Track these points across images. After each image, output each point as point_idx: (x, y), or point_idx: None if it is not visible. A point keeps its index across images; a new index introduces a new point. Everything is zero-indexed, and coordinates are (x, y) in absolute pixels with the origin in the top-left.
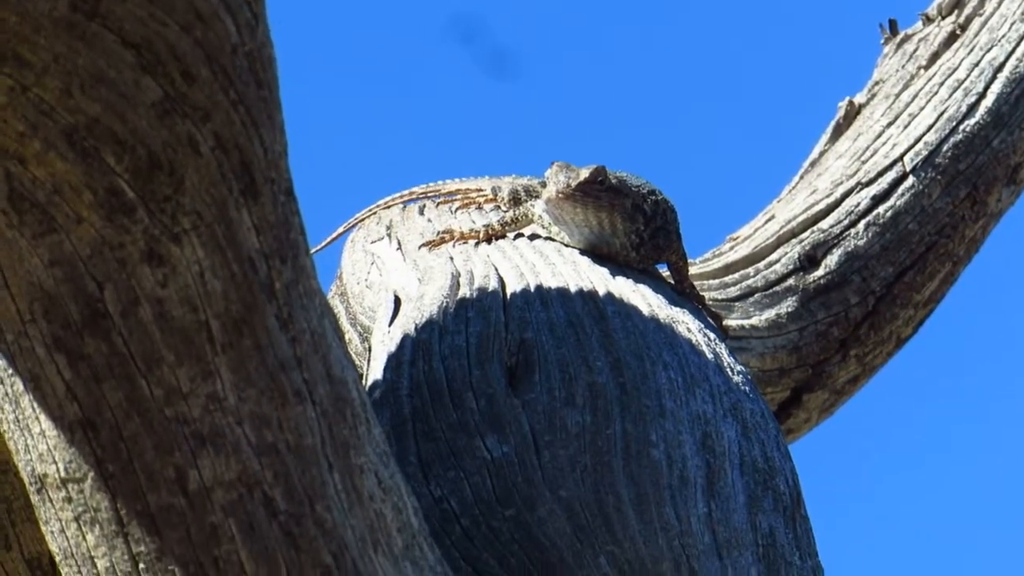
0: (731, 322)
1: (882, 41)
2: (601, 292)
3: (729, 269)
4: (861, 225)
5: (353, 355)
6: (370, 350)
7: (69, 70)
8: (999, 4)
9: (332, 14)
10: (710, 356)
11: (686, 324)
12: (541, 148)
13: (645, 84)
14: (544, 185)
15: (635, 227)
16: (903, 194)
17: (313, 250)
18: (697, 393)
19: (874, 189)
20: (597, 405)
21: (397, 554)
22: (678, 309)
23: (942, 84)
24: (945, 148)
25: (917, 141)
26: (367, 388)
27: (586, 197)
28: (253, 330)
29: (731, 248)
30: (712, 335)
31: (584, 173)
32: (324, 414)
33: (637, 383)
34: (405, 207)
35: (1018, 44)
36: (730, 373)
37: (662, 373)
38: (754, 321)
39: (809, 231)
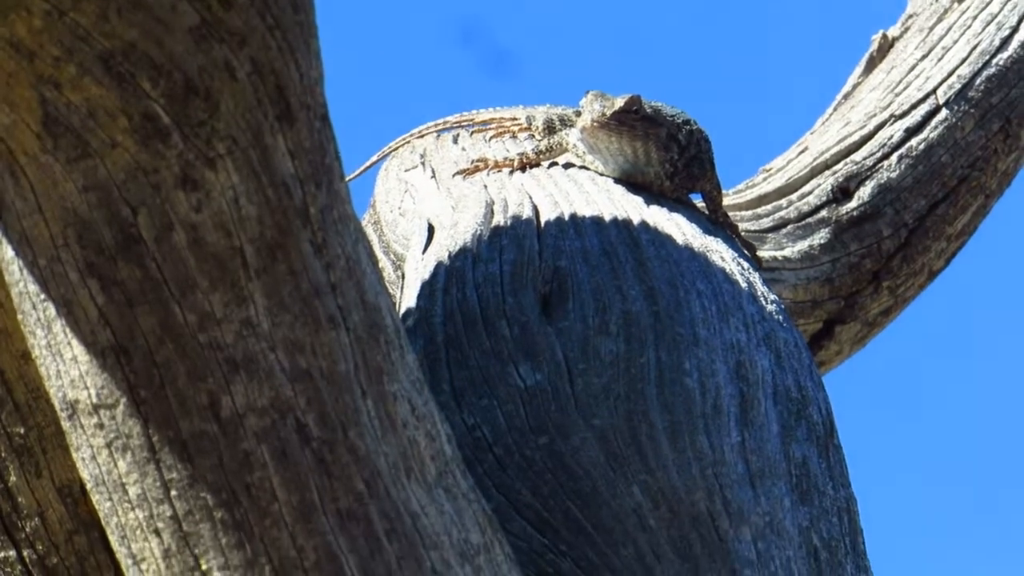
0: (763, 254)
1: None
2: (635, 220)
3: (762, 200)
4: (894, 157)
5: (387, 283)
6: (403, 278)
7: None
8: None
9: (331, 15)
10: (744, 285)
11: (720, 253)
12: None
13: (667, 19)
14: (579, 114)
15: (669, 156)
16: (936, 127)
17: (347, 178)
18: (731, 322)
19: (907, 122)
20: (631, 333)
21: (430, 481)
22: (712, 238)
23: (975, 18)
24: (978, 81)
25: (950, 74)
26: (400, 316)
27: (621, 126)
28: (287, 255)
29: (764, 179)
30: (746, 264)
31: (619, 102)
32: (358, 340)
33: (671, 311)
34: (439, 136)
35: None
36: (764, 302)
37: (696, 301)
38: (787, 253)
39: (842, 163)
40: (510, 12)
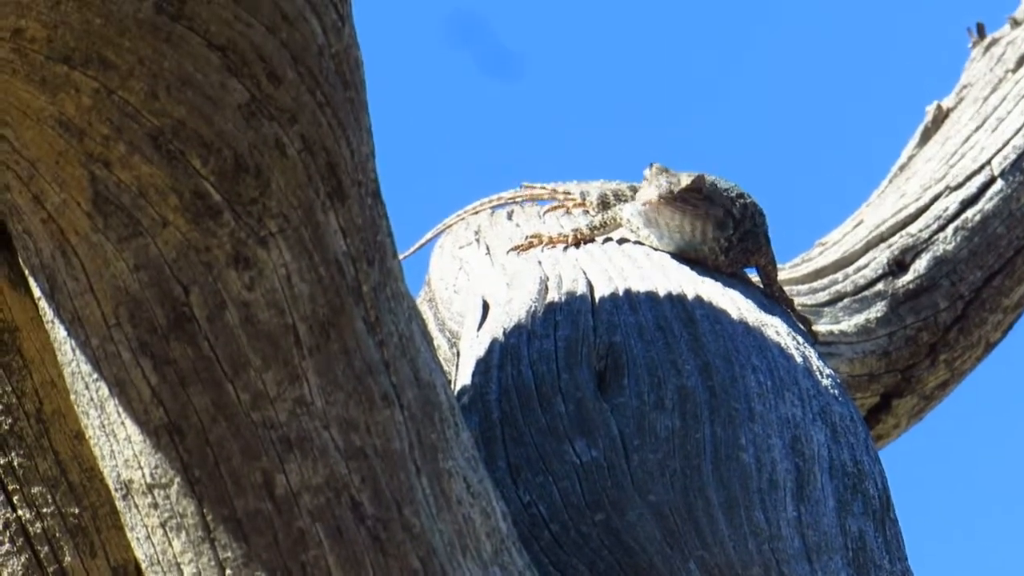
0: (820, 327)
1: (970, 45)
2: (690, 295)
3: (818, 274)
4: (950, 229)
5: (442, 360)
6: (459, 355)
7: (154, 72)
8: None
9: (449, 187)
10: (799, 360)
11: (775, 328)
12: (549, 148)
13: (722, 83)
14: (633, 189)
15: (725, 233)
16: (991, 198)
17: (402, 256)
18: (786, 396)
19: (962, 193)
20: (686, 409)
21: (486, 559)
22: (767, 313)
23: None
24: None
25: (1005, 145)
26: (456, 393)
27: (685, 204)
28: (340, 333)
29: (820, 253)
30: (801, 339)
31: (686, 180)
32: (412, 418)
33: (726, 386)
34: (493, 212)
35: None
36: (819, 377)
37: (751, 376)
38: (843, 326)
39: (898, 235)
40: (510, 11)
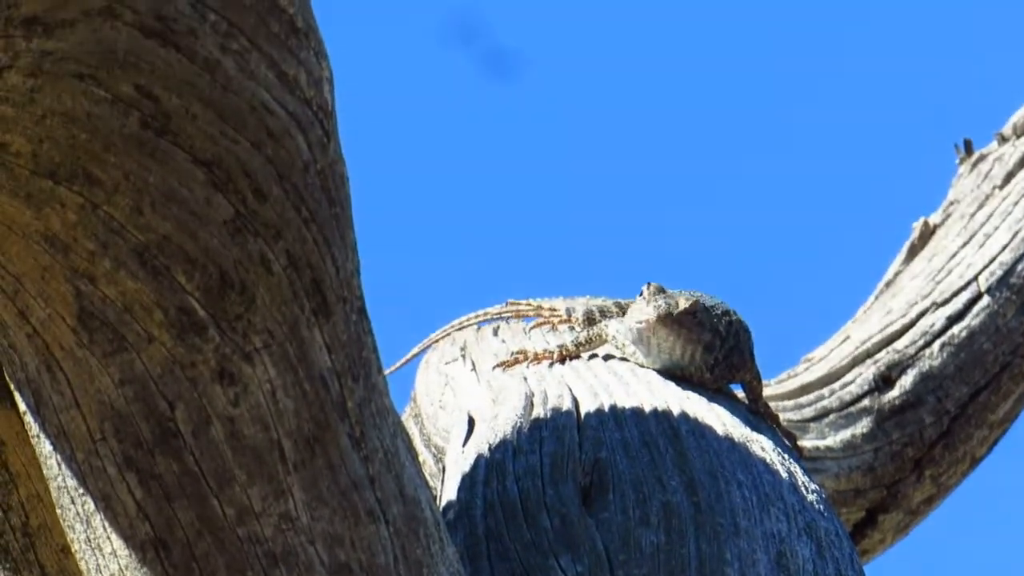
0: (806, 443)
1: (957, 161)
2: (675, 411)
3: (804, 390)
4: (936, 345)
5: (428, 476)
6: (444, 471)
7: (140, 188)
8: None
9: (331, 16)
10: (784, 475)
11: (760, 443)
12: (544, 150)
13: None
14: (619, 306)
15: (712, 354)
16: (978, 314)
17: (387, 371)
18: (772, 512)
19: (949, 309)
20: (671, 524)
21: None
22: (752, 429)
23: (1017, 204)
24: (1020, 267)
25: (992, 261)
26: (441, 508)
27: (681, 327)
28: (325, 449)
29: (806, 369)
30: (786, 454)
31: (683, 303)
32: (397, 533)
33: (711, 502)
34: (479, 328)
35: None
36: (804, 492)
37: (736, 492)
38: (829, 442)
39: (884, 351)
40: (509, 9)
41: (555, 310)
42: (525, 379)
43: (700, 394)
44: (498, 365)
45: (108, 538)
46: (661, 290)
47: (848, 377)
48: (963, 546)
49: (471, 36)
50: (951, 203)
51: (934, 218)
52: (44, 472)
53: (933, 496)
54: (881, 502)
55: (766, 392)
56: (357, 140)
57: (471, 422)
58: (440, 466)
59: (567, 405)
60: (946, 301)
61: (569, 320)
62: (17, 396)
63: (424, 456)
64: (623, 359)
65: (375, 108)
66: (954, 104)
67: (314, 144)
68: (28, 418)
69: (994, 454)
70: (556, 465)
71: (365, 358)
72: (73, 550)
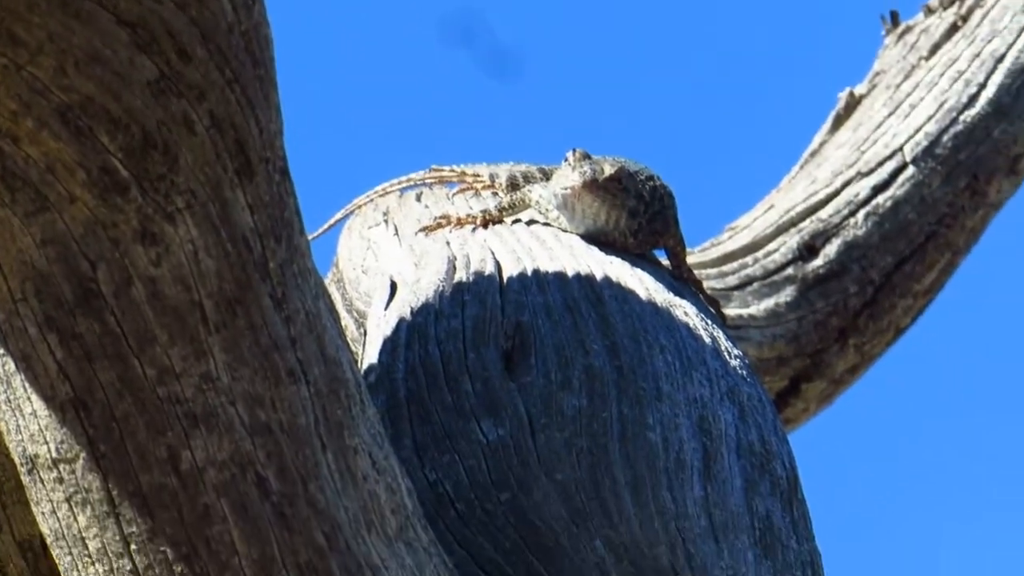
0: (729, 311)
1: (883, 32)
2: (598, 276)
3: (728, 258)
4: (860, 215)
5: (350, 340)
6: (366, 335)
7: (63, 49)
8: None
9: (331, 17)
10: (707, 340)
11: (683, 308)
12: (544, 150)
13: (640, 75)
14: (543, 171)
15: (636, 219)
16: (903, 184)
17: (311, 237)
18: (694, 376)
19: (874, 179)
20: (593, 388)
21: (391, 535)
22: (676, 294)
23: (943, 75)
24: (945, 138)
25: (917, 131)
26: (363, 372)
27: (606, 193)
28: (247, 310)
29: (730, 237)
30: (710, 320)
31: (609, 169)
32: (318, 394)
33: (634, 366)
34: (402, 194)
35: (1019, 35)
36: (727, 357)
37: (659, 356)
38: (752, 310)
39: (808, 220)
40: (509, 9)
41: (479, 176)
42: (448, 244)
43: (623, 259)
44: (421, 230)
45: (28, 398)
46: (586, 156)
47: (772, 246)
48: (886, 415)
49: (471, 36)
50: (877, 73)
51: (860, 88)
52: None
53: (857, 365)
54: (805, 371)
55: (690, 260)
56: (358, 139)
57: (393, 286)
58: (362, 330)
59: (490, 269)
60: (871, 171)
61: (492, 186)
62: None
63: (346, 321)
64: (546, 224)
65: (375, 107)
66: None
67: (239, 5)
68: None
69: (918, 324)
70: (478, 329)
71: (287, 219)
72: None
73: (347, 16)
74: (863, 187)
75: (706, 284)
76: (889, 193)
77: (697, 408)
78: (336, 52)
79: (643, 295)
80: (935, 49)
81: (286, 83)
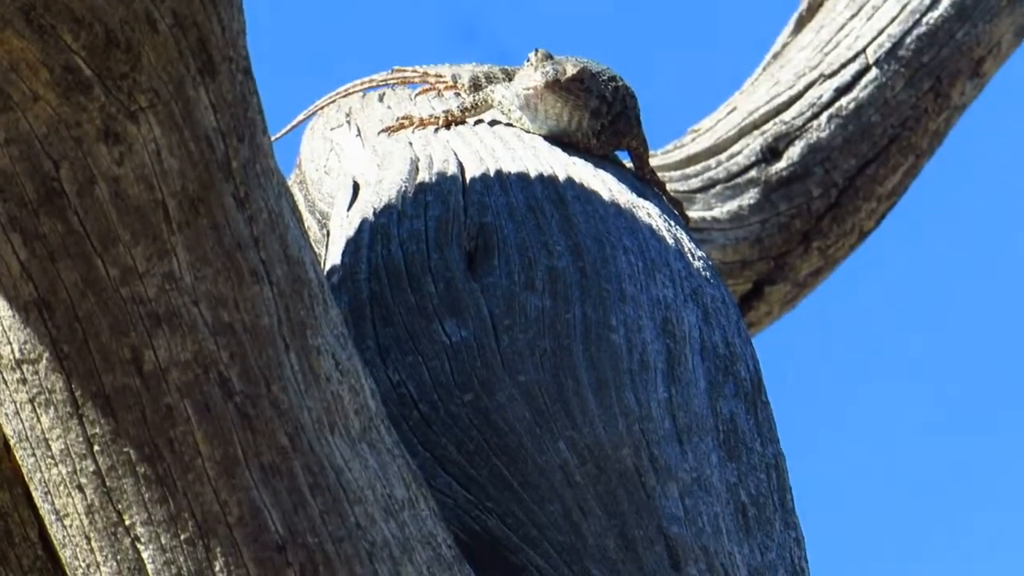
0: (693, 214)
1: None
2: (561, 177)
3: (690, 161)
4: (824, 117)
5: (312, 242)
6: (328, 236)
7: None
8: None
9: (334, 15)
10: (671, 241)
11: (647, 209)
12: None
13: None
14: (505, 72)
15: (599, 120)
16: (866, 86)
17: (273, 137)
18: (657, 278)
19: (837, 81)
20: (556, 289)
21: (354, 436)
22: (639, 195)
23: None
24: (908, 40)
25: (880, 33)
26: (326, 273)
27: (568, 94)
28: (210, 209)
29: (692, 140)
30: (673, 222)
31: (571, 69)
32: (281, 294)
33: (597, 267)
34: (365, 95)
35: None
36: (691, 259)
37: (622, 258)
38: (715, 213)
39: (771, 123)
40: (511, 9)
41: (441, 76)
42: (410, 144)
43: (586, 160)
44: (383, 130)
45: None
46: (548, 56)
47: (735, 148)
48: (849, 318)
49: (472, 35)
50: None
51: None
52: None
53: (821, 268)
54: (768, 274)
55: (653, 162)
56: (321, 40)
57: (356, 187)
58: (325, 231)
59: (452, 170)
60: (834, 73)
61: (455, 86)
62: None
63: (309, 222)
64: (509, 125)
65: (341, 9)
66: None
67: None
68: None
69: (882, 228)
70: (441, 229)
71: (250, 118)
72: None
73: (350, 16)
74: (826, 89)
75: (669, 187)
76: (852, 95)
77: (661, 310)
78: (339, 51)
79: (606, 196)
80: None
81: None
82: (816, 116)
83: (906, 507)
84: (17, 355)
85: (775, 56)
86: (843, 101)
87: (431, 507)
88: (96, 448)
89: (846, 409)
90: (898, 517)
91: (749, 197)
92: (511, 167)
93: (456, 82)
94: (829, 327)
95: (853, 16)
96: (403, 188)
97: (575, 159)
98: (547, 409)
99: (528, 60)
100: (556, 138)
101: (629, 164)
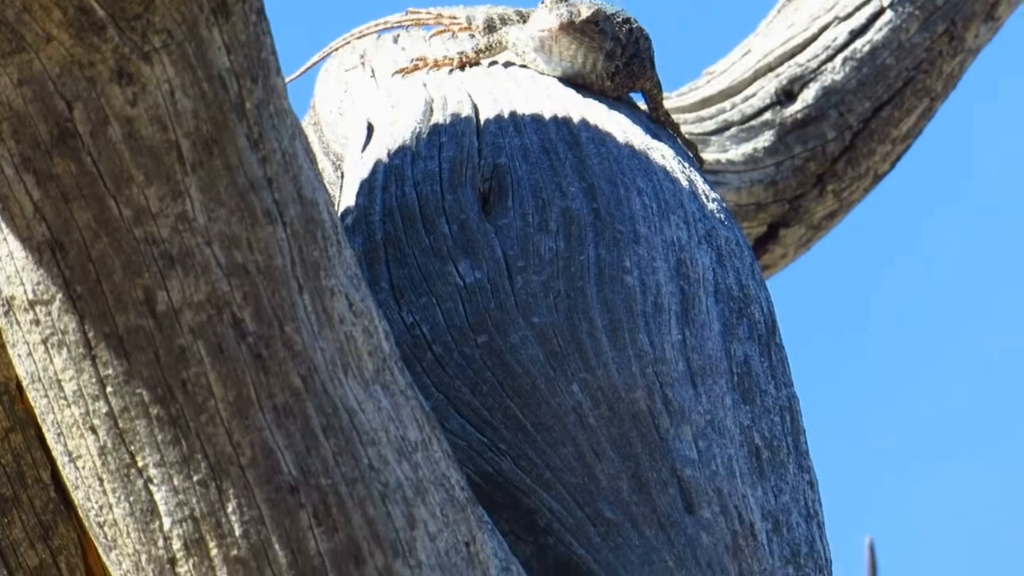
0: (707, 156)
1: None
2: (575, 118)
3: (705, 103)
4: (838, 60)
5: (327, 184)
6: (343, 177)
7: None
8: None
9: (335, 13)
10: (685, 183)
11: (661, 151)
12: None
13: None
14: (519, 14)
15: (613, 62)
16: (880, 28)
17: (287, 80)
18: (671, 219)
19: (851, 23)
20: (571, 231)
21: (368, 378)
22: (653, 137)
23: None
24: None
25: None
26: (340, 215)
27: (583, 36)
28: (223, 150)
29: (707, 82)
30: (687, 163)
31: (585, 11)
32: (294, 235)
33: (611, 209)
34: (379, 36)
35: None
36: (705, 200)
37: (636, 199)
38: (730, 155)
39: (786, 65)
40: None
41: (455, 18)
42: (424, 86)
43: (600, 102)
44: (397, 72)
45: (4, 240)
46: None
47: (750, 91)
48: (865, 260)
49: None
50: None
51: None
52: None
53: (835, 211)
54: (783, 216)
55: (667, 104)
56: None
57: (370, 128)
58: (339, 173)
59: (467, 111)
60: (849, 15)
61: (469, 28)
62: None
63: (323, 164)
64: (523, 67)
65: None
66: None
67: None
68: None
69: (896, 170)
70: (455, 171)
71: (264, 59)
72: None
73: (352, 15)
74: (841, 32)
75: (684, 129)
76: (867, 38)
77: (675, 251)
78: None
79: (620, 138)
80: None
81: None
82: (831, 58)
83: (921, 450)
84: (30, 296)
85: None
86: (858, 44)
87: (444, 449)
88: (109, 389)
89: (859, 349)
90: (912, 459)
91: (764, 139)
92: (525, 108)
93: (470, 24)
94: (844, 268)
95: None
96: (417, 129)
97: (589, 101)
98: (561, 351)
99: (542, 2)
100: (570, 80)
101: (643, 106)
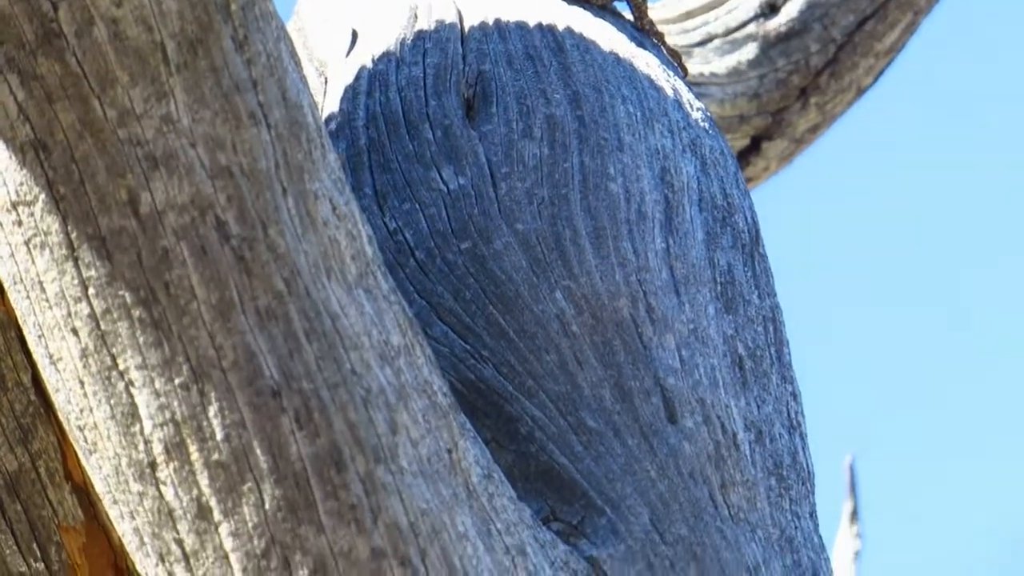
0: (691, 68)
1: None
2: (560, 25)
3: (689, 15)
4: None
5: (311, 90)
6: (327, 83)
7: None
8: None
9: None
10: (669, 92)
11: (645, 60)
12: None
13: None
14: None
15: None
16: None
17: None
18: (656, 128)
19: None
20: (555, 137)
21: (351, 282)
22: (638, 46)
23: None
24: None
25: None
26: (324, 120)
27: None
28: (208, 51)
29: None
30: (672, 72)
31: None
32: (279, 137)
33: (595, 116)
34: None
35: None
36: (689, 109)
37: (620, 107)
38: (713, 67)
39: None
40: None
41: None
42: None
43: (585, 9)
44: None
45: None
46: None
47: (733, 3)
48: (847, 176)
49: None
50: None
51: None
52: None
53: (818, 124)
54: (766, 129)
55: (652, 15)
56: None
57: (354, 35)
58: (323, 79)
59: (451, 17)
60: None
61: None
62: None
63: (307, 70)
64: None
65: None
66: None
67: None
68: None
69: (879, 84)
70: (439, 76)
71: None
72: None
73: None
74: None
75: (668, 40)
76: None
77: (659, 159)
78: None
79: (605, 46)
80: None
81: None
82: None
83: (900, 362)
84: (13, 197)
85: None
86: None
87: (427, 355)
88: (91, 291)
89: (841, 260)
90: (891, 373)
91: (747, 52)
92: (509, 15)
93: None
94: (826, 182)
95: None
96: (402, 36)
97: (574, 8)
98: (544, 258)
99: None
100: None
101: (628, 14)
